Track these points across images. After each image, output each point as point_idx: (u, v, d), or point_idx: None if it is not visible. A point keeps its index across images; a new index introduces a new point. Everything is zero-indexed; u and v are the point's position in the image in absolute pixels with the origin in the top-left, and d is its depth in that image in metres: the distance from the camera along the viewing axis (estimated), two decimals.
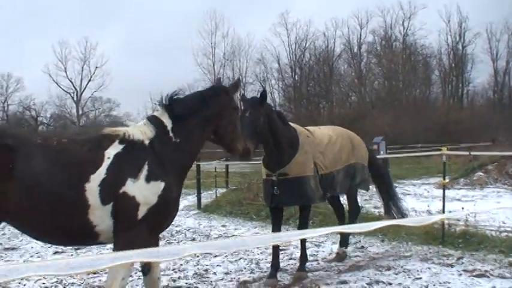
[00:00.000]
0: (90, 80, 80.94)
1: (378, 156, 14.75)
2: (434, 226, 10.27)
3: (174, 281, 8.00)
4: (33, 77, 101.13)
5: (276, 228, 8.20)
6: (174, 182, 5.20)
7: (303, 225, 8.15)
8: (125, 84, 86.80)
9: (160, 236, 11.66)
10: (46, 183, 4.63)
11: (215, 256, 9.33)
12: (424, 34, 68.14)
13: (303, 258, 8.19)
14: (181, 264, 8.82)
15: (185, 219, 15.01)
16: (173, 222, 13.42)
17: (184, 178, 5.59)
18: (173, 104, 5.47)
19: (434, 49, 69.33)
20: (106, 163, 4.90)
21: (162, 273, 8.31)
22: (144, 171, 4.95)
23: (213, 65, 76.92)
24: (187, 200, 19.51)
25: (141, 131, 5.21)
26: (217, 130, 5.72)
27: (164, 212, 5.14)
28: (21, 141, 4.72)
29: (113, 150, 5.01)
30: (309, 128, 8.60)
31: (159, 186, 4.99)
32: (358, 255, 9.13)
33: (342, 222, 9.33)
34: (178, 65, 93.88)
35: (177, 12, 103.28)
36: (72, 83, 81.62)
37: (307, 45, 74.63)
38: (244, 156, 6.59)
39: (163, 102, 5.51)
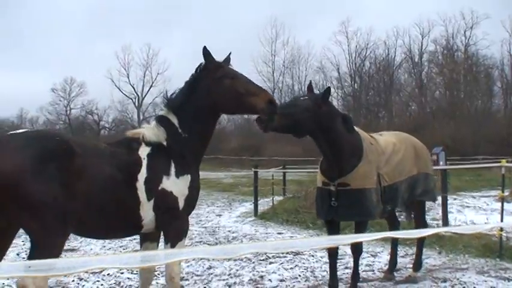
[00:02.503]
0: (151, 86, 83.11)
1: (437, 167, 14.51)
2: (492, 239, 10.17)
3: (230, 286, 8.12)
4: (95, 82, 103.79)
5: None
6: (195, 172, 5.68)
7: (358, 243, 7.41)
8: None
9: (217, 241, 11.97)
10: (110, 183, 5.04)
11: (270, 263, 9.46)
12: (486, 44, 66.50)
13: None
14: (237, 270, 8.98)
15: (242, 225, 15.19)
16: (230, 229, 13.75)
17: (199, 164, 5.90)
18: (171, 102, 5.77)
19: (496, 60, 67.56)
20: (144, 163, 5.33)
21: (217, 277, 8.49)
22: (173, 168, 5.42)
23: (273, 73, 77.76)
24: (244, 207, 19.77)
25: (154, 133, 5.59)
26: (220, 106, 5.70)
27: (195, 199, 5.70)
28: (83, 146, 5.06)
29: (144, 151, 5.43)
30: (372, 134, 7.89)
31: (187, 179, 5.48)
32: None
33: (395, 239, 8.64)
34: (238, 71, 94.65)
35: (238, 19, 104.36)
36: (134, 88, 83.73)
37: (367, 54, 74.61)
38: (266, 117, 5.70)
39: (165, 101, 5.86)
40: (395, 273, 8.52)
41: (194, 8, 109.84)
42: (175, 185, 5.38)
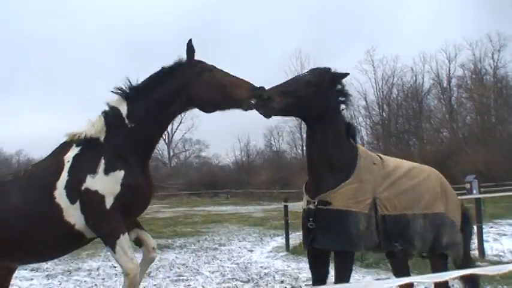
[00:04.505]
0: (180, 122, 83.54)
1: (471, 196, 14.20)
2: None
3: None
4: None
5: (317, 277, 6.39)
6: (137, 167, 5.40)
7: (339, 279, 5.94)
8: (213, 126, 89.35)
9: (249, 278, 11.75)
10: (25, 208, 5.09)
11: None
12: None
13: None
14: None
15: (273, 261, 14.94)
16: (262, 265, 13.53)
17: (149, 158, 5.71)
18: (132, 90, 5.57)
19: None
20: (67, 166, 5.25)
21: None
22: (102, 165, 5.21)
23: None
24: (275, 242, 19.52)
25: (92, 129, 5.42)
26: (194, 99, 5.46)
27: (132, 197, 5.29)
28: None
29: (71, 153, 5.34)
30: (386, 157, 6.62)
31: (119, 175, 5.21)
32: None
33: None
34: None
35: (261, 51, 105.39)
36: None
37: (394, 81, 74.53)
38: (259, 103, 5.27)
39: (119, 90, 5.61)
40: None
41: (221, 42, 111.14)
42: (102, 182, 5.15)
